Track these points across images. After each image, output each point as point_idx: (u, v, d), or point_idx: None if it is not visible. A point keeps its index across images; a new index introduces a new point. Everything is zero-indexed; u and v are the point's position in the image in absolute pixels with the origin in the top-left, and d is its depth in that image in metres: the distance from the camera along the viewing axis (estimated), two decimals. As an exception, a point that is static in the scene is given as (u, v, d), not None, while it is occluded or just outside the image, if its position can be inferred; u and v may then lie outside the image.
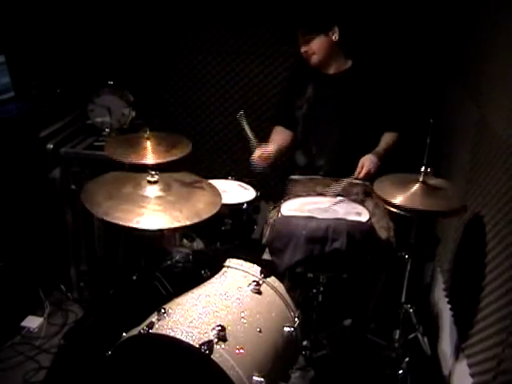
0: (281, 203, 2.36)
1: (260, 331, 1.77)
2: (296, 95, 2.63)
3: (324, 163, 2.61)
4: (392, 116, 2.59)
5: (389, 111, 2.58)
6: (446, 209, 1.99)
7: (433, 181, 2.06)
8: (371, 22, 2.83)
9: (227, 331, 1.66)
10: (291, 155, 2.75)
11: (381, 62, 2.69)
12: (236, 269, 2.04)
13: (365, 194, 2.44)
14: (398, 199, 1.96)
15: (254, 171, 2.51)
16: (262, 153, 2.48)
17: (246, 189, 2.53)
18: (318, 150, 2.61)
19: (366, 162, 2.42)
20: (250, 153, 2.49)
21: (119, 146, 2.34)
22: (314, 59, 2.55)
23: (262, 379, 1.61)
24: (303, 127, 2.64)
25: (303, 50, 2.54)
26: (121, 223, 1.77)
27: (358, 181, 2.42)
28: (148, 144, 2.31)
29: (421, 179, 2.02)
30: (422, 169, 2.01)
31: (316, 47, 2.52)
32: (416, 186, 2.01)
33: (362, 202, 2.34)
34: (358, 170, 2.41)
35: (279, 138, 2.68)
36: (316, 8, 2.59)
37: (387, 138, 2.58)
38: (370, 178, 2.37)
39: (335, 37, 2.52)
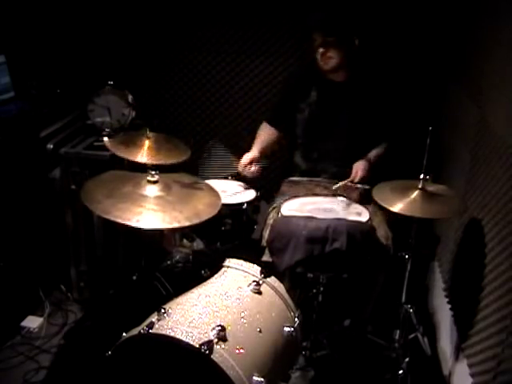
0: (279, 203, 2.36)
1: (260, 331, 1.77)
2: (298, 99, 2.57)
3: (325, 168, 2.59)
4: (391, 124, 2.57)
5: (390, 118, 2.56)
6: (446, 215, 2.00)
7: (432, 187, 2.06)
8: (372, 25, 2.82)
9: (227, 331, 1.66)
10: (290, 158, 2.73)
11: (383, 68, 2.67)
12: (236, 269, 2.04)
13: (362, 201, 2.43)
14: (398, 206, 1.97)
15: (246, 179, 2.53)
16: (248, 162, 2.47)
17: (246, 189, 2.53)
18: (319, 156, 2.59)
19: (360, 167, 2.43)
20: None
21: (120, 145, 2.33)
22: (331, 64, 2.44)
23: (262, 379, 1.61)
24: (304, 132, 2.60)
25: (321, 51, 2.42)
26: (119, 221, 1.77)
27: (355, 184, 2.43)
28: (148, 144, 2.31)
29: (420, 186, 2.02)
30: (421, 176, 2.02)
31: (336, 52, 2.41)
32: (415, 193, 2.02)
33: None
34: (353, 175, 2.42)
35: (264, 135, 2.64)
36: (346, 12, 2.47)
37: (379, 148, 2.57)
38: (364, 181, 2.41)
39: (355, 44, 2.43)
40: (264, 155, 2.61)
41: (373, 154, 2.53)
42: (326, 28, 2.40)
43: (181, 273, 2.39)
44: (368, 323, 2.50)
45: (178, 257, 2.46)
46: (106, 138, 2.44)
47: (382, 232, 2.27)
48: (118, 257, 2.85)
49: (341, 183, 2.38)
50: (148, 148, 2.27)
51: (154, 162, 2.21)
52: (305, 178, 2.63)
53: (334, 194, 2.39)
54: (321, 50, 2.42)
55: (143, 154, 2.24)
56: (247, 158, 2.49)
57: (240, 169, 2.49)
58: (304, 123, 2.58)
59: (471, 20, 2.54)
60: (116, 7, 3.10)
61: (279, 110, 2.68)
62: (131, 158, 2.23)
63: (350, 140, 2.52)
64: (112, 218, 1.77)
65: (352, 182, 2.41)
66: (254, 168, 2.49)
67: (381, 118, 2.52)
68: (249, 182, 2.54)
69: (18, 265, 2.66)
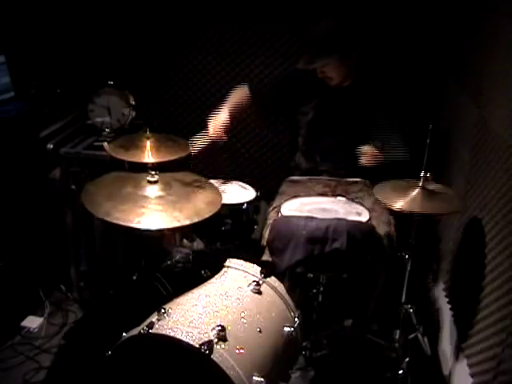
0: (279, 203, 2.36)
1: (260, 331, 1.77)
2: (300, 100, 2.57)
3: (327, 169, 2.60)
4: (395, 119, 2.55)
5: (392, 115, 2.54)
6: (446, 212, 2.00)
7: (432, 186, 2.07)
8: (372, 24, 2.81)
9: (227, 331, 1.66)
10: (291, 157, 2.73)
11: (384, 69, 2.67)
12: (236, 269, 2.04)
13: (363, 191, 2.43)
14: (398, 204, 1.97)
15: (214, 146, 2.49)
16: (217, 122, 2.43)
17: (245, 189, 2.53)
18: (321, 158, 2.60)
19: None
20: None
21: (119, 148, 2.34)
22: (332, 82, 2.47)
23: (262, 379, 1.61)
24: (307, 135, 2.60)
25: (319, 74, 2.43)
26: (121, 223, 1.77)
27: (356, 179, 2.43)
28: (148, 144, 2.31)
29: (420, 184, 2.03)
30: (422, 174, 2.02)
31: (334, 72, 2.42)
32: (416, 191, 2.02)
33: (361, 199, 2.36)
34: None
35: (236, 98, 2.61)
36: (334, 32, 2.39)
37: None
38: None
39: (354, 58, 2.43)
40: (233, 118, 2.54)
41: None
42: (319, 51, 2.36)
43: (181, 273, 2.38)
44: (369, 323, 2.50)
45: (178, 257, 2.45)
46: (105, 144, 2.44)
47: (385, 219, 2.27)
48: (118, 257, 2.85)
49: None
50: (148, 148, 2.28)
51: (157, 161, 2.21)
52: (305, 177, 2.63)
53: (334, 194, 2.40)
54: (319, 73, 2.43)
55: (145, 155, 2.24)
56: (219, 121, 2.45)
57: (211, 132, 2.46)
58: (307, 126, 2.58)
59: (471, 20, 2.54)
60: (116, 7, 3.10)
61: (275, 93, 2.62)
62: (133, 159, 2.23)
63: (353, 142, 2.51)
64: (113, 221, 1.77)
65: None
66: (221, 131, 2.45)
67: (382, 119, 2.51)
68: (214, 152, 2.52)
69: (18, 265, 2.66)
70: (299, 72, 2.53)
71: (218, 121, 2.48)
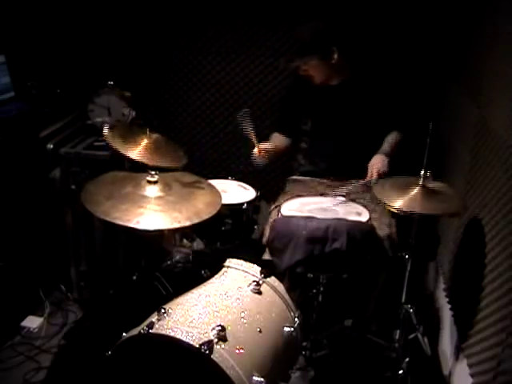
0: (281, 203, 2.36)
1: (260, 331, 1.77)
2: (300, 112, 2.60)
3: (327, 168, 2.61)
4: (395, 118, 2.56)
5: (392, 114, 2.54)
6: (446, 212, 2.00)
7: (432, 184, 2.06)
8: (368, 24, 2.82)
9: (227, 331, 1.66)
10: (292, 158, 2.74)
11: (381, 66, 2.67)
12: (236, 269, 2.04)
13: (365, 192, 2.43)
14: (398, 203, 1.97)
15: (254, 165, 2.50)
16: (262, 149, 2.46)
17: (246, 189, 2.53)
18: (322, 160, 2.62)
19: (379, 164, 2.34)
20: (249, 149, 2.47)
21: (118, 138, 2.31)
22: (315, 80, 2.53)
23: (262, 379, 1.61)
24: (309, 139, 2.62)
25: (302, 72, 2.51)
26: (120, 223, 1.77)
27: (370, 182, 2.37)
28: (146, 143, 2.29)
29: (420, 183, 2.02)
30: (422, 172, 2.02)
31: (315, 71, 2.49)
32: (416, 190, 2.02)
33: (363, 200, 2.35)
34: (370, 173, 2.33)
35: (277, 141, 2.67)
36: (315, 33, 2.46)
37: (390, 138, 2.55)
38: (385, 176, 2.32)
39: (335, 58, 2.45)
40: (274, 153, 2.59)
41: (387, 146, 2.50)
42: (298, 50, 2.46)
43: (181, 273, 2.38)
44: (369, 323, 2.50)
45: (178, 257, 2.45)
46: (105, 129, 2.43)
47: (386, 221, 2.27)
48: (118, 257, 2.85)
49: (358, 183, 2.32)
50: (145, 147, 2.25)
51: (147, 162, 2.19)
52: (308, 178, 2.64)
53: (335, 194, 2.40)
54: (302, 71, 2.49)
55: (139, 152, 2.21)
56: (264, 146, 2.48)
57: (255, 154, 2.47)
58: (308, 134, 2.60)
59: (471, 20, 2.54)
60: (116, 7, 3.10)
61: (285, 120, 2.72)
62: (125, 152, 2.19)
63: (353, 140, 2.52)
64: (112, 220, 1.77)
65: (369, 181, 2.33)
66: (263, 155, 2.47)
67: (382, 113, 2.51)
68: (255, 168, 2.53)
69: (18, 265, 2.66)
70: (293, 80, 2.61)
71: (264, 148, 2.48)
